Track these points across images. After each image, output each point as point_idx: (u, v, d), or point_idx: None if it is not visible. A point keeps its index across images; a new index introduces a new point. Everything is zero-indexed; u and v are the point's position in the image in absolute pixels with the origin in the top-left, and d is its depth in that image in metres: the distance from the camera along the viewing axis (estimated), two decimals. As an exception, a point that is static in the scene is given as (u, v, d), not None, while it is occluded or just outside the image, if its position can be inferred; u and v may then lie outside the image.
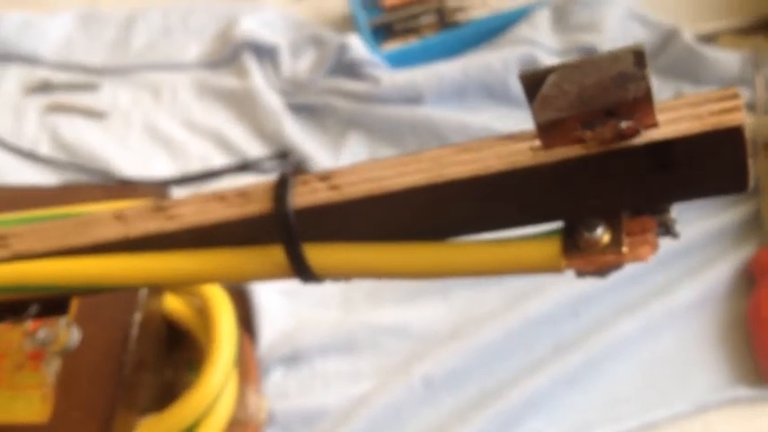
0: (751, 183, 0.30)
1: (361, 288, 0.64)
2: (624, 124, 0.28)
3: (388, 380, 0.59)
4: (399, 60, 0.72)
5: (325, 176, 0.34)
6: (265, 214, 0.33)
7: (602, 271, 0.32)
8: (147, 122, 0.74)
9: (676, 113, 0.29)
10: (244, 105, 0.74)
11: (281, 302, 0.62)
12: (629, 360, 0.58)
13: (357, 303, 0.63)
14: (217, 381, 0.45)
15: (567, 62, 0.27)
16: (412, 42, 0.74)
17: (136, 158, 0.72)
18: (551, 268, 0.33)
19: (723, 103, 0.28)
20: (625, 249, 0.31)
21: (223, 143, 0.72)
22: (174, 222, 0.35)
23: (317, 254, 0.34)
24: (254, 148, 0.71)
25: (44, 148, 0.73)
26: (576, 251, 0.32)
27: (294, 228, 0.33)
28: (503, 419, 0.56)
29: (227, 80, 0.76)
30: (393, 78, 0.70)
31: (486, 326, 0.59)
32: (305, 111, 0.73)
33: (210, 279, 0.35)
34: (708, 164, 0.29)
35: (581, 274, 0.33)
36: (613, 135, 0.29)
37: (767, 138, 0.65)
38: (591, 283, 0.61)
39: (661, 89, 0.71)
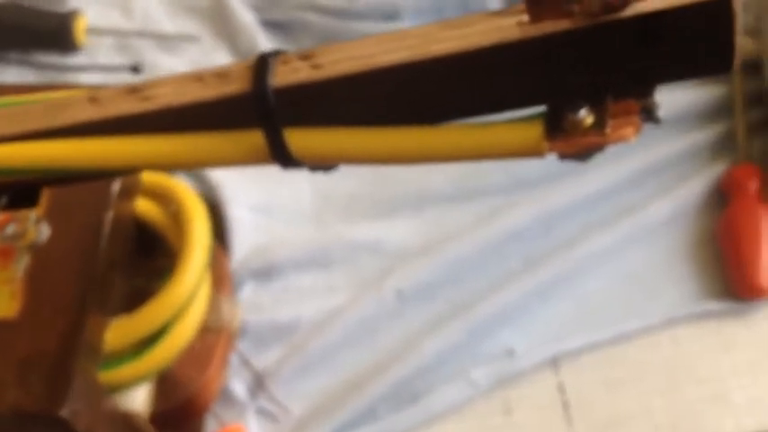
0: (736, 62, 0.30)
1: (334, 204, 0.63)
2: (614, -5, 0.28)
3: (361, 293, 0.59)
4: (375, -24, 0.71)
5: (306, 55, 0.33)
6: (244, 94, 0.33)
7: (584, 153, 0.32)
8: (117, 40, 0.72)
9: (666, -15, 0.28)
10: (217, 22, 0.72)
11: (253, 218, 0.62)
12: (601, 274, 0.59)
13: (330, 219, 0.63)
14: (189, 283, 0.45)
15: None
16: (389, -42, 0.72)
17: (106, 79, 0.70)
18: (534, 151, 0.32)
19: (711, -27, 0.28)
20: (608, 130, 0.31)
21: (196, 61, 0.71)
22: (149, 103, 0.34)
23: (297, 138, 0.33)
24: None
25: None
26: (560, 133, 0.32)
27: (274, 108, 0.32)
28: (473, 331, 0.56)
29: (198, -4, 0.74)
30: (369, -7, 0.69)
31: (458, 240, 0.59)
32: (279, 27, 0.71)
33: (187, 163, 0.34)
34: (695, 39, 0.29)
35: (563, 156, 0.32)
36: (601, 7, 0.28)
37: (742, 57, 0.65)
38: (563, 200, 0.61)
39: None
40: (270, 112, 0.32)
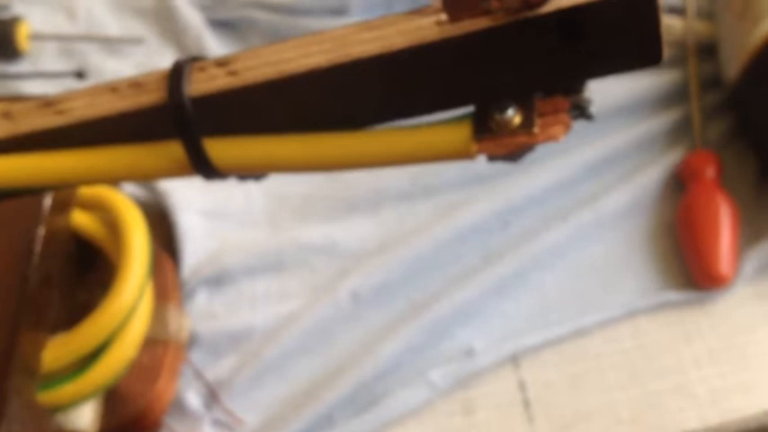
0: (665, 54, 0.29)
1: (289, 206, 0.62)
2: (531, -10, 0.27)
3: (316, 298, 0.57)
4: (323, -29, 0.70)
5: (223, 62, 0.32)
6: (160, 105, 0.31)
7: (513, 154, 0.31)
8: (61, 45, 0.70)
9: (586, -22, 0.27)
10: (163, 23, 0.71)
11: (203, 224, 0.60)
12: (559, 268, 0.58)
13: (284, 222, 0.61)
14: (128, 296, 0.43)
15: None
16: (336, -48, 0.71)
17: (50, 86, 0.68)
18: (463, 153, 0.31)
19: (634, -36, 0.27)
20: (537, 129, 0.30)
21: (142, 63, 0.69)
22: (64, 117, 0.33)
23: (218, 147, 0.32)
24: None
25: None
26: (488, 134, 0.31)
27: (191, 118, 0.31)
28: (432, 331, 0.55)
29: (143, -3, 0.72)
30: (316, -11, 0.67)
31: (415, 239, 0.58)
32: (226, 26, 0.70)
33: (106, 178, 0.33)
34: (619, 32, 0.28)
35: (492, 158, 0.31)
36: (520, 3, 0.27)
37: (696, 41, 0.64)
38: (521, 193, 0.60)
39: None
40: (187, 122, 0.31)
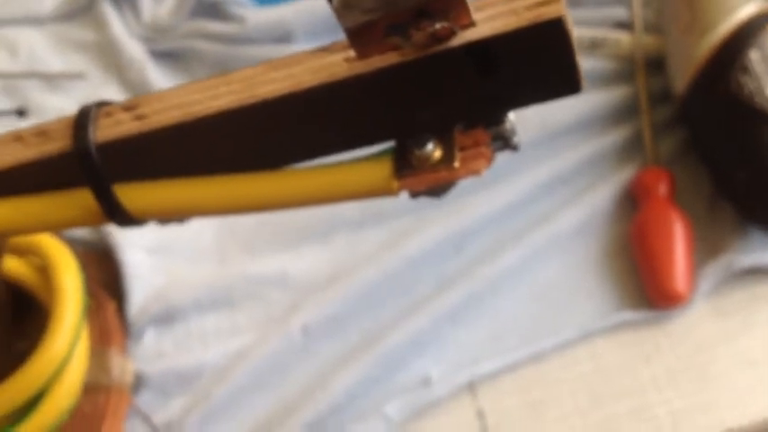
0: (583, 82, 0.28)
1: (238, 237, 0.61)
2: (438, 25, 0.26)
3: (267, 332, 0.56)
4: (268, -2, 0.69)
5: (130, 106, 0.30)
6: (66, 153, 0.30)
7: (435, 189, 0.30)
8: (3, 83, 0.69)
9: (494, 10, 0.27)
10: (105, 56, 0.69)
11: (150, 261, 0.59)
12: (514, 292, 0.57)
13: (233, 255, 0.60)
14: (61, 344, 0.42)
15: (363, -46, 0.24)
16: (280, -22, 0.70)
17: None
18: (384, 190, 0.30)
19: (541, -6, 0.26)
20: (457, 164, 0.29)
21: (85, 97, 0.68)
22: (-33, 169, 0.31)
23: (130, 194, 0.31)
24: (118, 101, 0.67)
25: None
26: (408, 170, 0.30)
27: (98, 166, 0.30)
28: (386, 362, 0.54)
29: (85, 31, 0.71)
30: (259, 17, 0.66)
31: (366, 267, 0.57)
32: (170, 57, 0.68)
33: (17, 230, 0.32)
34: (532, 64, 0.27)
35: (415, 194, 0.31)
36: (428, 38, 0.26)
37: (645, 56, 0.64)
38: (473, 216, 0.59)
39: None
40: (95, 170, 0.30)
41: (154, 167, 0.31)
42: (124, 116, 0.30)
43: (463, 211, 0.59)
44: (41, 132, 0.31)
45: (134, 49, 0.67)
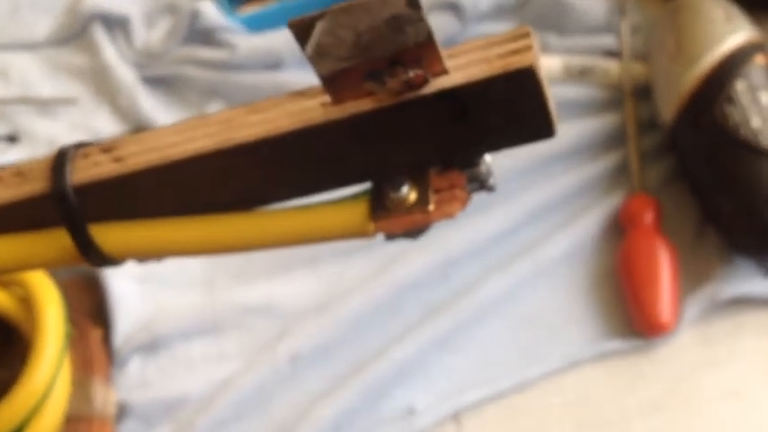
0: (556, 127, 0.28)
1: (226, 266, 0.61)
2: (412, 73, 0.26)
3: (254, 361, 0.56)
4: (258, 24, 0.69)
5: (108, 148, 0.31)
6: (43, 194, 0.30)
7: (411, 232, 0.30)
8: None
9: (467, 58, 0.27)
10: (97, 81, 0.70)
11: (137, 289, 0.59)
12: (501, 319, 0.57)
13: (221, 283, 0.60)
14: (42, 375, 0.42)
15: (335, 6, 0.25)
16: (270, 5, 0.70)
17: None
18: (360, 232, 0.30)
19: (512, 44, 0.26)
20: (432, 207, 0.29)
21: (76, 123, 0.68)
22: (-54, 209, 0.32)
23: (106, 235, 0.31)
24: (109, 126, 0.67)
25: None
26: (384, 212, 0.30)
27: (75, 207, 0.30)
28: (373, 391, 0.54)
29: (77, 57, 0.71)
30: (250, 43, 0.67)
31: (354, 296, 0.57)
32: (161, 83, 0.69)
33: (-5, 269, 0.32)
34: (505, 110, 0.27)
35: (390, 237, 0.31)
36: (401, 85, 0.27)
37: (633, 84, 0.64)
38: (460, 244, 0.59)
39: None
40: (71, 211, 0.30)
41: (130, 208, 0.31)
42: (102, 158, 0.30)
43: (450, 239, 0.59)
44: (19, 173, 0.31)
45: (126, 75, 0.68)
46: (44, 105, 0.68)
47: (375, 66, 0.26)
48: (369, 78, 0.26)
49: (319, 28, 0.25)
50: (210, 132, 0.29)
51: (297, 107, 0.29)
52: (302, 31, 0.25)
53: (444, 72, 0.26)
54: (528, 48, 0.26)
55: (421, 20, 0.25)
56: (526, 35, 0.26)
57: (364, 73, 0.26)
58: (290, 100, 0.29)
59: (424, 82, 0.26)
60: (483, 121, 0.27)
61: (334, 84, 0.27)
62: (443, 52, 0.26)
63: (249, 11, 0.70)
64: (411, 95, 0.27)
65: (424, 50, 0.26)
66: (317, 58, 0.26)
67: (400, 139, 0.28)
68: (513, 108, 0.27)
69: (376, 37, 0.25)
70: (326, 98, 0.28)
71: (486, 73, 0.26)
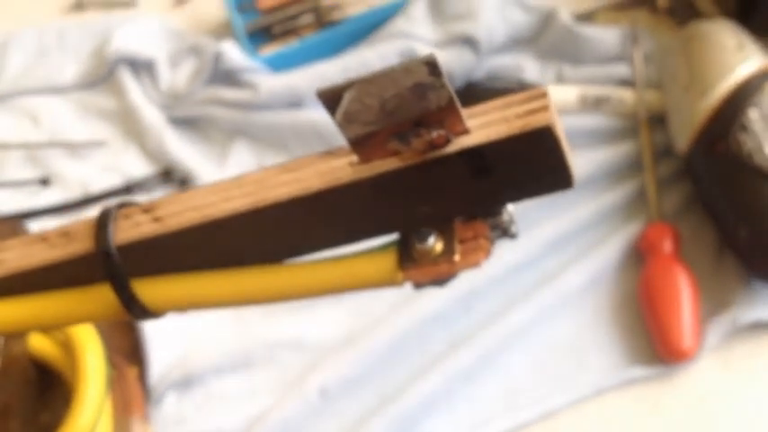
0: (574, 179, 0.29)
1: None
2: (435, 133, 0.28)
3: (284, 395, 0.57)
4: (280, 63, 0.71)
5: (148, 208, 0.32)
6: (88, 253, 0.32)
7: (438, 281, 0.32)
8: (26, 152, 0.71)
9: (486, 118, 0.28)
10: (126, 123, 0.72)
11: (169, 327, 0.60)
12: (524, 349, 0.58)
13: (251, 318, 0.62)
14: (85, 421, 0.43)
15: (361, 77, 0.26)
16: (291, 44, 0.72)
17: (17, 194, 0.69)
18: (389, 282, 0.32)
19: (529, 104, 0.28)
20: (457, 257, 0.31)
21: (106, 165, 0.70)
22: (-3, 269, 0.33)
23: (148, 289, 0.32)
24: (138, 168, 0.69)
25: None
26: (411, 263, 0.31)
27: (118, 265, 0.32)
28: (401, 423, 0.55)
29: (105, 99, 0.73)
30: (272, 83, 0.68)
31: (379, 329, 0.58)
32: (187, 124, 0.71)
33: (42, 325, 0.34)
34: (524, 166, 0.29)
35: (418, 285, 0.32)
36: (425, 145, 0.28)
37: (647, 113, 0.65)
38: (482, 276, 0.60)
39: (543, 72, 0.70)
40: (115, 269, 0.32)
41: (169, 263, 0.32)
42: (142, 218, 0.32)
43: (472, 271, 0.60)
44: (65, 234, 0.33)
45: (152, 116, 0.70)
46: (74, 148, 0.71)
47: (400, 128, 0.28)
48: (394, 139, 0.28)
49: (347, 97, 0.26)
50: (245, 192, 0.31)
51: (326, 166, 0.30)
52: (331, 100, 0.27)
53: (466, 132, 0.28)
54: (545, 108, 0.27)
55: (443, 86, 0.26)
56: (543, 96, 0.28)
57: (390, 135, 0.28)
58: (320, 160, 0.30)
59: (447, 142, 0.28)
60: (504, 176, 0.29)
61: (361, 145, 0.28)
62: (464, 113, 0.27)
63: (270, 51, 0.72)
64: (435, 154, 0.28)
65: (446, 113, 0.27)
66: (345, 124, 0.27)
67: (425, 195, 0.30)
68: (532, 163, 0.28)
69: (400, 103, 0.27)
70: (354, 158, 0.29)
71: (505, 132, 0.27)
